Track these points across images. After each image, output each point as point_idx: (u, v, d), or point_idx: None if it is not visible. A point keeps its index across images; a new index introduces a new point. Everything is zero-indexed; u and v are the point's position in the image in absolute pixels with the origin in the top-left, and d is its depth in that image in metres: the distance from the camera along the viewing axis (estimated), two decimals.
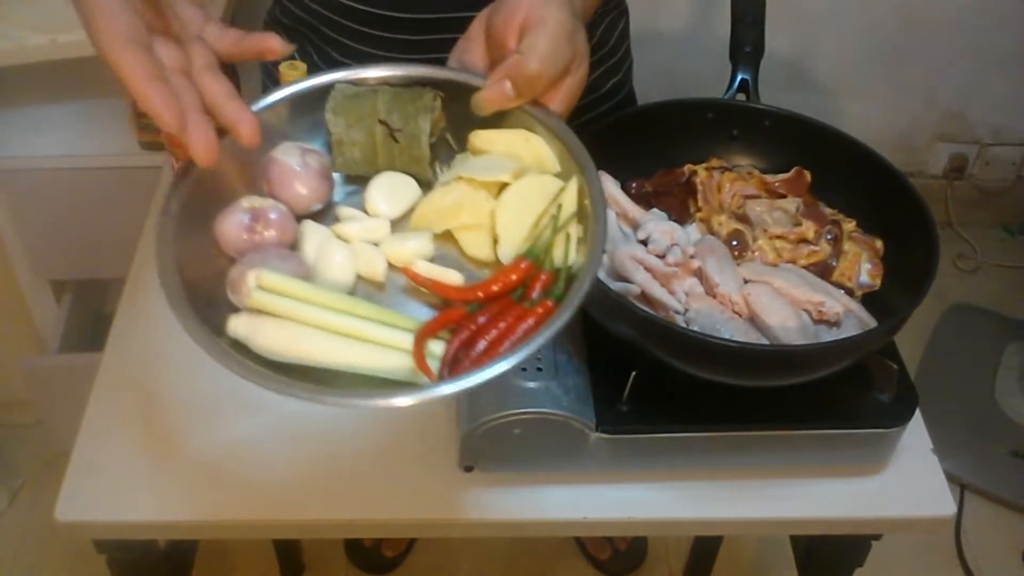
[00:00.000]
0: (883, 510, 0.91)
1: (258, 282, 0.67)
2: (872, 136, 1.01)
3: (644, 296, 0.88)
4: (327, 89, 0.77)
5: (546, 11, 0.72)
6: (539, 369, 0.87)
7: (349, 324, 0.67)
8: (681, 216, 0.97)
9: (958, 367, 2.17)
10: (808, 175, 0.99)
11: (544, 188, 0.74)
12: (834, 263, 0.93)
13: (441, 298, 0.71)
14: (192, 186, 0.71)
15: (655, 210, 0.96)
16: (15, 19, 1.44)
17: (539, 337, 0.64)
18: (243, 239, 0.71)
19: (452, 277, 0.72)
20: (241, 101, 0.68)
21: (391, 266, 0.73)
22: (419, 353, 0.65)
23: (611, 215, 0.94)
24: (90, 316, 1.88)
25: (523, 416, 0.84)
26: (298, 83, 0.78)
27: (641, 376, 0.86)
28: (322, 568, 1.80)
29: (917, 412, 0.93)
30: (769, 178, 1.00)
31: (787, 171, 1.00)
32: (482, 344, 0.66)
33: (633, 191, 0.99)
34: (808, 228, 0.94)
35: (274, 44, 0.70)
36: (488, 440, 0.86)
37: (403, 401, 0.62)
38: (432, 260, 0.73)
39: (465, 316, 0.68)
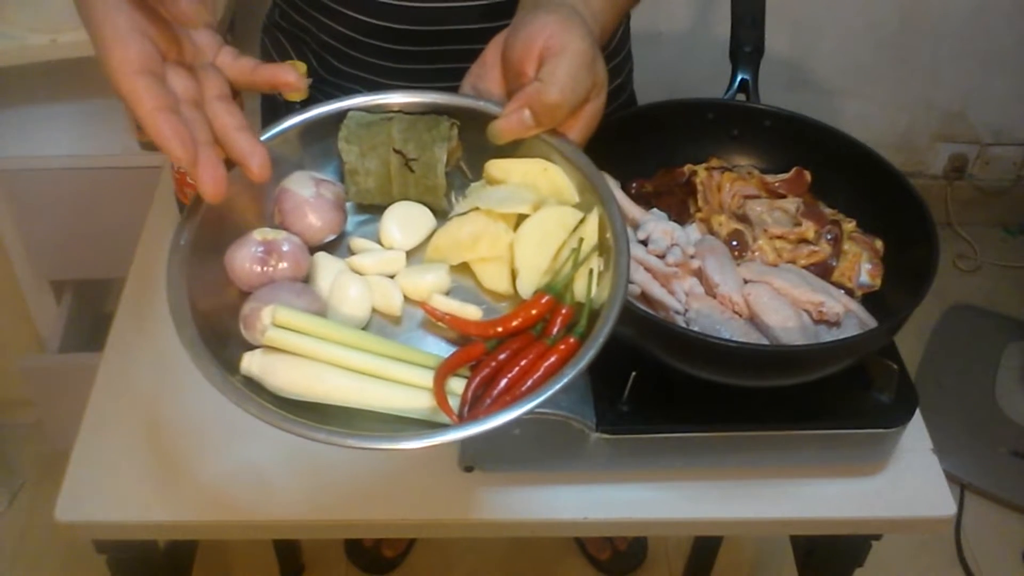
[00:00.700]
0: (883, 510, 0.91)
1: (273, 319, 0.65)
2: (872, 136, 1.02)
3: (644, 296, 0.88)
4: (340, 116, 0.75)
5: (567, 39, 0.70)
6: None
7: (368, 362, 0.65)
8: (681, 216, 0.96)
9: (958, 367, 2.17)
10: (808, 175, 0.99)
11: (563, 220, 0.72)
12: (834, 263, 0.93)
13: (459, 333, 0.69)
14: (203, 218, 0.69)
15: (655, 210, 0.96)
16: (15, 19, 1.44)
17: (564, 377, 0.63)
18: (256, 272, 0.69)
19: (470, 312, 0.70)
20: (252, 134, 0.66)
21: (407, 299, 0.72)
22: (440, 392, 0.64)
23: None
24: (90, 316, 1.88)
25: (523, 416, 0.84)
26: (310, 110, 0.76)
27: (641, 376, 0.86)
28: (322, 568, 1.80)
29: (917, 412, 0.93)
30: (769, 178, 1.00)
31: (787, 171, 1.00)
32: (504, 382, 0.65)
33: (633, 191, 0.99)
34: (808, 228, 0.94)
35: (289, 78, 0.68)
36: (488, 440, 0.86)
37: (429, 442, 0.62)
38: (448, 293, 0.72)
39: (485, 352, 0.67)
